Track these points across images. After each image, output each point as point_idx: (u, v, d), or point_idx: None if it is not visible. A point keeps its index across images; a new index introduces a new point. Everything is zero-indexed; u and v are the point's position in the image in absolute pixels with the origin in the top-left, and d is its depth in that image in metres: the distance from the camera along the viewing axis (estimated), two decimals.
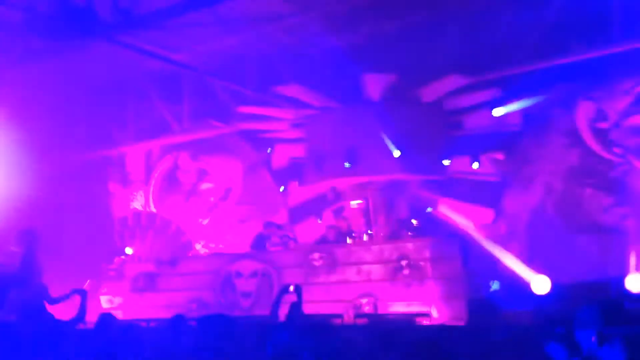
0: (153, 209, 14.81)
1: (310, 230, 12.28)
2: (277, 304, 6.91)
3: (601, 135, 10.87)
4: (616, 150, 10.73)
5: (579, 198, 10.97)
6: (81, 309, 6.78)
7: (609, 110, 10.80)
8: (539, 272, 9.75)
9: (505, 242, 11.36)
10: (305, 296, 9.05)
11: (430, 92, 11.26)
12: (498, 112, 11.15)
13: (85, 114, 13.52)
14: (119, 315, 8.68)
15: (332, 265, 9.82)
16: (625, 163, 10.62)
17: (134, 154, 15.05)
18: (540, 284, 8.89)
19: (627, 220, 10.44)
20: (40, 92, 12.80)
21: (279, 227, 11.41)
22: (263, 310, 9.25)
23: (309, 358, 4.25)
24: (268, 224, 11.37)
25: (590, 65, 10.61)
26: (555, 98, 11.08)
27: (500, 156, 11.54)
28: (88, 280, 12.29)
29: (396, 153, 10.85)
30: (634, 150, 10.54)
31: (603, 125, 10.87)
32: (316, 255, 9.96)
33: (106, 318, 6.02)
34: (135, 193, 15.07)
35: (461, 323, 8.46)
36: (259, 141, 13.21)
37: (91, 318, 6.49)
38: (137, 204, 14.97)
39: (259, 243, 11.11)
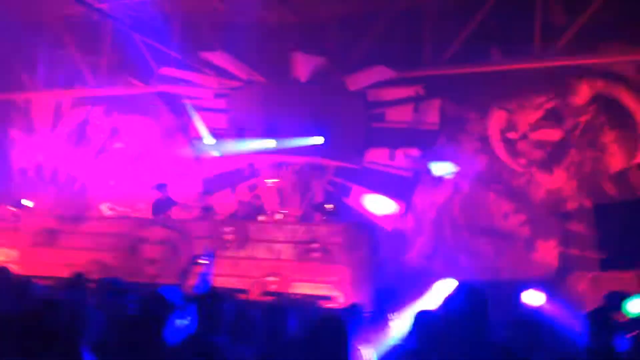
0: (58, 163, 14.11)
1: (224, 203, 12.17)
2: (185, 273, 6.86)
3: (509, 144, 11.48)
4: (521, 160, 11.37)
5: (483, 201, 11.55)
6: None
7: (519, 122, 11.41)
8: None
9: (411, 236, 11.81)
10: (213, 269, 9.06)
11: (356, 81, 11.41)
12: (419, 109, 11.49)
13: None
14: (15, 269, 8.23)
15: (243, 240, 9.79)
16: (528, 173, 11.28)
17: (42, 101, 14.21)
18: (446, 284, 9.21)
19: (523, 227, 11.13)
20: None
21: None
22: (167, 279, 9.11)
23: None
24: (160, 186, 11.11)
25: (506, 76, 11.17)
26: (471, 103, 11.58)
27: (415, 152, 11.91)
28: None
29: (319, 139, 10.95)
30: (538, 162, 11.22)
31: (512, 135, 11.48)
32: (228, 228, 9.89)
33: None
34: (40, 143, 14.27)
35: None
36: (178, 106, 12.88)
37: None
38: (41, 155, 14.19)
39: (159, 208, 10.87)
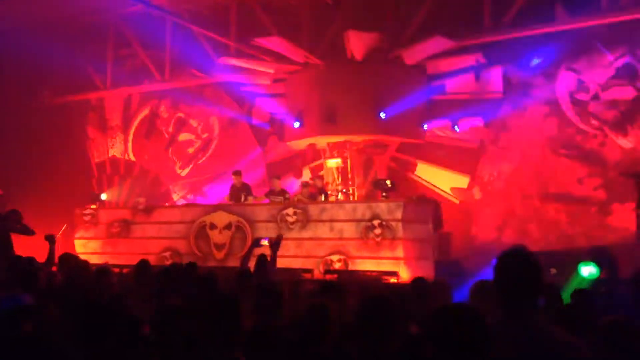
0: (132, 157, 14.77)
1: (289, 186, 12.34)
2: (247, 256, 7.00)
3: (580, 106, 10.95)
4: (593, 122, 10.83)
5: (554, 167, 11.11)
6: (50, 254, 6.85)
7: (589, 82, 10.86)
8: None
9: (479, 208, 11.54)
10: (278, 251, 9.22)
11: (414, 54, 11.19)
12: (479, 77, 11.15)
13: (65, 57, 13.30)
14: (93, 259, 8.72)
15: (305, 221, 9.91)
16: (601, 135, 10.73)
17: (113, 99, 14.90)
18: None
19: (598, 191, 10.62)
20: (18, 33, 12.57)
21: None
22: (236, 262, 9.37)
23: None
24: (236, 173, 11.34)
25: (573, 36, 10.63)
26: (537, 67, 11.11)
27: (479, 122, 11.58)
28: (65, 225, 12.32)
29: (382, 115, 10.84)
30: (611, 123, 10.65)
31: (582, 96, 10.94)
32: (290, 210, 10.04)
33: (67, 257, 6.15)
34: (113, 139, 15.00)
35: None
36: (240, 94, 13.12)
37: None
38: (116, 150, 14.91)
39: (234, 194, 11.13)
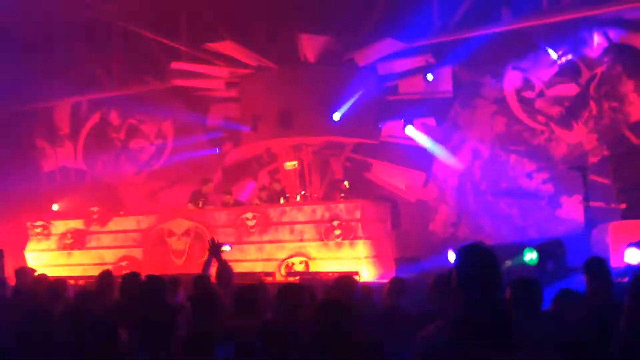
0: (82, 166, 14.45)
1: (245, 190, 12.31)
2: (208, 262, 6.95)
3: (527, 103, 11.32)
4: (540, 118, 11.21)
5: (504, 164, 11.45)
6: None
7: (535, 79, 11.24)
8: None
9: (435, 205, 11.78)
10: (239, 255, 9.22)
11: (366, 56, 11.36)
12: (430, 77, 11.39)
13: (9, 66, 12.90)
14: (47, 272, 8.49)
15: (265, 224, 9.92)
16: (547, 131, 11.12)
17: (61, 108, 14.54)
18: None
19: (547, 184, 11.01)
20: None
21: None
22: (196, 269, 9.29)
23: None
24: (206, 180, 11.27)
25: (518, 35, 11.00)
26: (484, 66, 11.43)
27: (431, 121, 11.83)
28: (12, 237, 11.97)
29: (336, 116, 10.94)
30: (557, 119, 11.05)
31: (529, 94, 11.32)
32: (249, 214, 10.04)
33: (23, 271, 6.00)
34: (62, 149, 14.63)
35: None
36: (193, 99, 13.01)
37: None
38: (66, 160, 14.55)
39: (195, 198, 11.03)
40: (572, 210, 10.58)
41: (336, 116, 10.99)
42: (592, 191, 9.57)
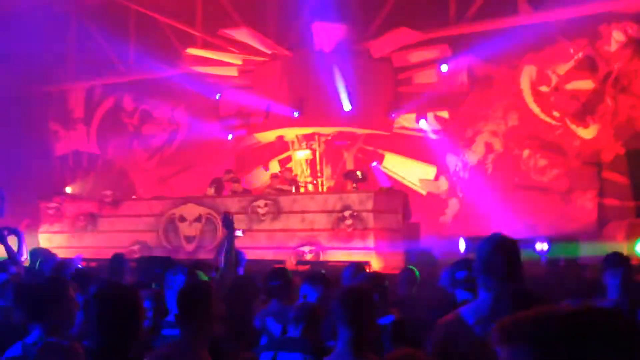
0: (95, 150, 14.51)
1: (257, 178, 12.32)
2: (221, 249, 6.97)
3: (542, 98, 11.23)
4: (555, 113, 11.13)
5: (517, 158, 11.38)
6: (19, 248, 6.67)
7: (551, 74, 11.15)
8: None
9: (445, 198, 11.75)
10: (249, 242, 9.23)
11: (380, 46, 11.30)
12: (445, 67, 11.33)
13: (24, 48, 12.95)
14: (59, 254, 8.56)
15: (277, 213, 9.93)
16: (562, 126, 11.04)
17: (75, 91, 14.59)
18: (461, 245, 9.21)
19: (560, 180, 10.94)
20: None
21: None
22: (207, 255, 9.34)
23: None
24: (228, 172, 11.28)
25: (536, 29, 10.91)
26: (500, 59, 11.35)
27: (445, 114, 11.78)
28: (25, 220, 12.03)
29: (346, 106, 10.91)
30: (572, 114, 10.96)
31: (544, 88, 11.23)
32: (261, 202, 10.04)
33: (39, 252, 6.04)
34: (76, 132, 14.70)
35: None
36: (207, 86, 13.01)
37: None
38: (79, 143, 14.62)
39: (214, 184, 11.02)
40: (585, 206, 10.51)
41: (346, 106, 10.95)
42: (606, 188, 9.54)
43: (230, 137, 12.60)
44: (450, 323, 2.58)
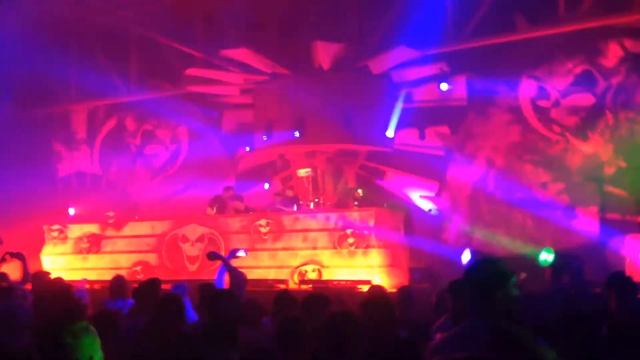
0: (98, 170, 14.58)
1: (258, 196, 12.34)
2: (223, 270, 6.99)
3: (542, 113, 11.26)
4: (555, 128, 11.15)
5: (519, 173, 11.39)
6: (24, 271, 6.71)
7: (550, 89, 11.19)
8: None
9: (448, 214, 11.75)
10: (252, 262, 9.24)
11: (380, 63, 11.37)
12: (444, 86, 11.40)
13: (27, 69, 13.07)
14: (63, 276, 8.58)
15: (279, 232, 9.95)
16: (563, 141, 11.06)
17: (78, 112, 14.69)
18: (465, 256, 9.22)
19: (562, 195, 10.93)
20: None
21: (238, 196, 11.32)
22: (210, 275, 9.33)
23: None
24: (227, 189, 11.32)
25: (534, 44, 10.96)
26: (499, 75, 11.40)
27: (445, 130, 11.82)
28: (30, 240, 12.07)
29: (347, 125, 10.97)
30: (572, 128, 10.98)
31: (544, 103, 11.26)
32: (263, 221, 10.07)
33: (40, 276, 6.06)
34: (79, 153, 14.77)
35: None
36: (208, 105, 13.09)
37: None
38: (82, 164, 14.68)
39: (214, 203, 11.06)
40: (587, 221, 10.50)
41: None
42: (608, 203, 9.53)
43: (248, 149, 12.54)
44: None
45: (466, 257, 9.06)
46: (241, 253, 7.14)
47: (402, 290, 5.40)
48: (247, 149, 12.45)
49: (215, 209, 10.87)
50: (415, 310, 5.32)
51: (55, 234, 11.51)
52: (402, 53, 11.10)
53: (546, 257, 8.00)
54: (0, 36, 12.24)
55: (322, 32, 11.23)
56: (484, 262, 2.73)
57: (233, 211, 11.02)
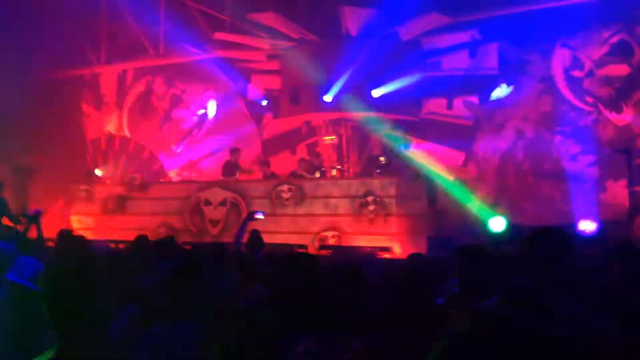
0: (127, 133, 14.76)
1: (284, 162, 12.35)
2: (241, 230, 7.05)
3: (575, 83, 10.94)
4: (588, 99, 10.84)
5: (548, 144, 11.14)
6: (38, 233, 6.83)
7: (584, 59, 10.84)
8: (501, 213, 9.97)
9: (473, 185, 11.59)
10: (272, 227, 9.31)
11: (410, 30, 11.15)
12: (476, 54, 11.14)
13: (57, 31, 13.20)
14: (89, 235, 8.77)
15: (300, 197, 9.95)
16: (595, 112, 10.75)
17: (108, 75, 14.84)
18: (497, 223, 9.09)
19: (592, 168, 10.67)
20: (10, 7, 12.46)
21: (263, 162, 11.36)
22: (231, 238, 9.42)
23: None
24: (234, 150, 11.35)
25: (569, 12, 10.59)
26: (532, 43, 11.08)
27: (474, 99, 11.58)
28: (60, 200, 12.37)
29: (375, 93, 10.84)
30: (605, 100, 10.65)
31: (577, 73, 10.93)
32: (285, 187, 10.08)
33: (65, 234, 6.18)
34: (108, 116, 14.97)
35: None
36: (235, 70, 13.07)
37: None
38: (111, 126, 14.89)
39: (228, 170, 11.15)
40: (617, 194, 10.24)
41: (375, 92, 10.87)
42: (637, 176, 9.24)
43: (264, 102, 12.53)
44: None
45: (498, 224, 8.96)
46: (259, 215, 7.20)
47: (412, 258, 5.30)
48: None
49: (237, 173, 10.92)
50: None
51: (83, 194, 11.74)
52: (432, 19, 10.86)
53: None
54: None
55: None
56: (553, 231, 2.63)
57: (257, 174, 11.05)
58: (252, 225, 6.94)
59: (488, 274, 3.46)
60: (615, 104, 10.54)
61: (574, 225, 7.77)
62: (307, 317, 2.86)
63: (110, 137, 14.79)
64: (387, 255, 8.97)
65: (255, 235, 6.77)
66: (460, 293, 3.51)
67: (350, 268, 3.25)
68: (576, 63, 10.91)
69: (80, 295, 2.14)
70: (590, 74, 10.80)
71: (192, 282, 3.39)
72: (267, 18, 11.33)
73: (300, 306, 3.09)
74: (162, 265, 4.33)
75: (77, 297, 2.14)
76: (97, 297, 2.18)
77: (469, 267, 3.49)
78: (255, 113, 13.08)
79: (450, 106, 11.69)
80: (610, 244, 4.24)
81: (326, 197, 9.80)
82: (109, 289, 2.38)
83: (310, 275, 3.60)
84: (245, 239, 6.75)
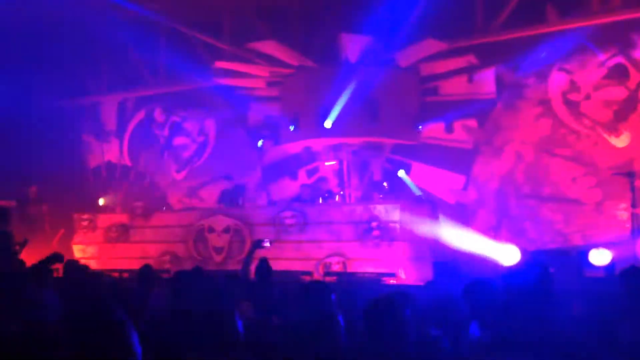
0: (127, 162, 14.78)
1: (284, 189, 12.39)
2: (248, 258, 7.05)
3: (573, 106, 11.07)
4: (586, 122, 10.96)
5: (548, 167, 11.23)
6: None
7: (581, 82, 10.99)
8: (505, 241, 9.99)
9: (474, 208, 11.65)
10: (276, 253, 9.29)
11: (407, 56, 11.29)
12: (473, 79, 11.27)
13: (58, 61, 13.29)
14: (92, 265, 8.74)
15: (304, 224, 9.97)
16: (594, 135, 10.86)
17: (108, 104, 14.91)
18: (509, 254, 8.84)
19: (593, 190, 10.75)
20: (11, 37, 12.55)
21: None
22: (235, 265, 9.42)
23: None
24: (227, 176, 11.41)
25: (566, 36, 10.76)
26: (529, 68, 11.23)
27: (473, 123, 11.69)
28: (62, 230, 12.32)
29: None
30: (604, 123, 10.77)
31: (575, 97, 11.06)
32: (288, 213, 10.11)
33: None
34: (108, 144, 15.00)
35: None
36: (235, 97, 13.16)
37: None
38: (111, 155, 14.91)
39: (225, 198, 11.19)
40: (618, 217, 10.31)
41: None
42: (639, 198, 9.31)
43: (260, 143, 12.65)
44: None
45: (512, 256, 8.35)
46: (267, 243, 7.22)
47: (429, 285, 5.35)
48: (260, 143, 12.51)
49: (241, 200, 10.96)
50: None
51: (85, 223, 11.72)
52: (430, 45, 11.00)
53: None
54: (26, 30, 12.44)
55: (349, 25, 11.19)
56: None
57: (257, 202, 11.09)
58: (256, 253, 6.97)
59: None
60: (613, 127, 10.67)
61: (584, 254, 7.69)
62: None
63: (111, 166, 14.80)
64: (392, 281, 8.98)
65: (264, 263, 6.77)
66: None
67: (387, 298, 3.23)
68: (573, 87, 11.05)
69: None
70: (587, 97, 10.93)
71: None
72: (267, 46, 11.45)
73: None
74: None
75: None
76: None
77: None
78: (256, 139, 13.14)
79: (449, 130, 11.79)
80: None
81: (330, 222, 9.82)
82: None
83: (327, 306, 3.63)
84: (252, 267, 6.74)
